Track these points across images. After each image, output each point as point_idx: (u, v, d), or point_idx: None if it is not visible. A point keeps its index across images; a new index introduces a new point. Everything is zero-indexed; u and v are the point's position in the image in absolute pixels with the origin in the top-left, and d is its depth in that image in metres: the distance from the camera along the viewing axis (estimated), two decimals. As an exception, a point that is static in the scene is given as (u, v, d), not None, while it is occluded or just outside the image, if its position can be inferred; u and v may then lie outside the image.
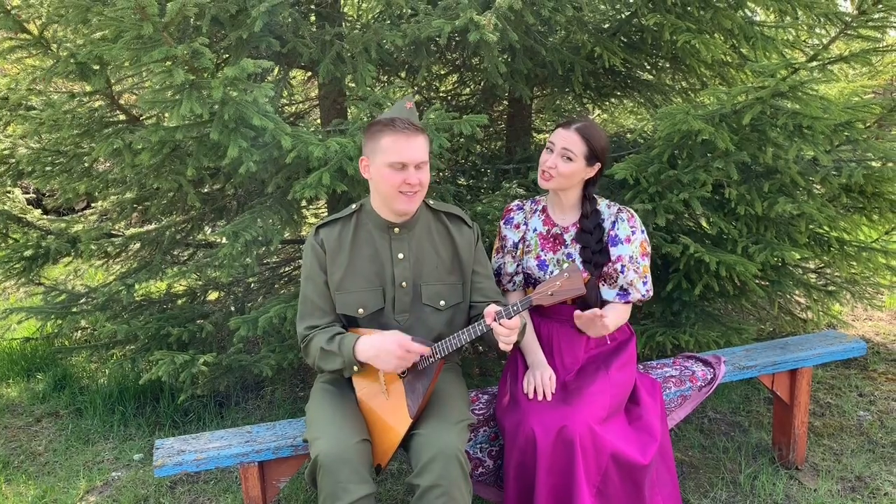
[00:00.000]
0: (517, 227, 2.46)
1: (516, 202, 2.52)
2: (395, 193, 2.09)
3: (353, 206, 2.26)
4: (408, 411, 2.07)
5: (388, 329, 2.17)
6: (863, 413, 3.36)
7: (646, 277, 2.36)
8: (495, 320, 1.97)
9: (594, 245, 2.34)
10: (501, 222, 2.49)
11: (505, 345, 2.00)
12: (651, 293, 2.38)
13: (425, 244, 2.24)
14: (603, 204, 2.41)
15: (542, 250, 2.40)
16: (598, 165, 2.34)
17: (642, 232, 2.38)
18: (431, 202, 2.30)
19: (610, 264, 2.33)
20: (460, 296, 2.27)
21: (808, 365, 2.84)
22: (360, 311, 2.19)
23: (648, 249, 2.39)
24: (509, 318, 1.97)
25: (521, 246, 2.44)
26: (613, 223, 2.36)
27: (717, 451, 3.05)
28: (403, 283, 2.20)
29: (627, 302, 2.35)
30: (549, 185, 2.33)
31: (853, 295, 3.83)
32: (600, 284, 2.36)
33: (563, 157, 2.28)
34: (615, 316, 2.33)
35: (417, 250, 2.22)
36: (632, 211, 2.40)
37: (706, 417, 3.37)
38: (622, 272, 2.33)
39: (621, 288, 2.34)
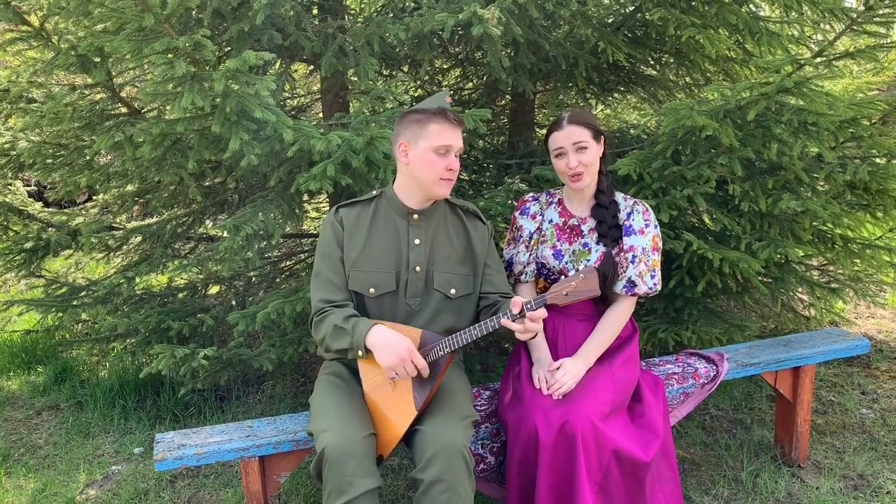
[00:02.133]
0: (533, 217, 2.46)
1: (531, 194, 2.53)
2: (437, 179, 2.14)
3: (374, 192, 2.31)
4: (414, 403, 2.06)
5: (397, 311, 2.22)
6: (865, 411, 3.35)
7: (654, 271, 2.35)
8: (522, 310, 1.98)
9: (609, 219, 2.35)
10: (517, 213, 2.49)
11: (526, 334, 2.01)
12: (659, 287, 2.37)
13: (441, 233, 2.27)
14: (619, 196, 2.42)
15: (559, 240, 2.41)
16: (602, 138, 2.36)
17: (655, 227, 2.38)
18: (449, 197, 2.32)
19: (622, 253, 2.34)
20: (470, 287, 2.29)
21: (811, 362, 2.82)
22: (372, 290, 2.22)
23: (660, 245, 2.39)
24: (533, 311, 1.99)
25: (536, 236, 2.44)
26: (629, 214, 2.37)
27: (719, 449, 3.04)
28: (417, 268, 2.23)
29: (634, 294, 2.34)
30: (582, 185, 2.33)
31: (856, 292, 3.81)
32: None
33: (579, 151, 2.29)
34: (617, 317, 2.36)
35: (433, 238, 2.26)
36: (647, 206, 2.41)
37: (708, 415, 3.36)
38: (632, 262, 2.33)
39: (629, 280, 2.33)
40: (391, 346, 2.04)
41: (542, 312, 1.99)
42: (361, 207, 2.28)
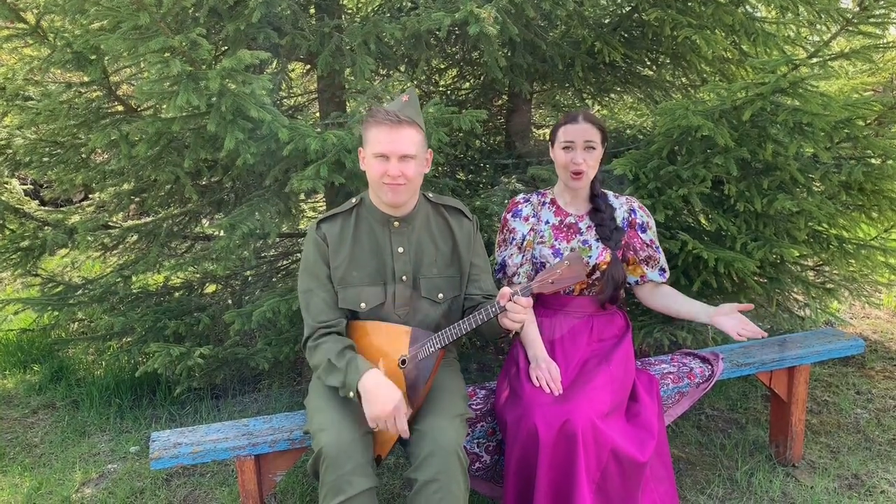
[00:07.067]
0: (526, 219, 2.46)
1: (521, 195, 2.53)
2: (380, 184, 2.09)
3: (353, 200, 2.25)
4: (408, 401, 2.06)
5: (387, 321, 2.17)
6: (860, 411, 3.36)
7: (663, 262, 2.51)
8: (510, 299, 1.96)
9: (608, 222, 2.41)
10: (508, 214, 2.49)
11: (514, 323, 1.99)
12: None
13: (424, 237, 2.23)
14: (610, 195, 2.48)
15: (556, 240, 2.42)
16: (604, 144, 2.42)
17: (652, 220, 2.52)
18: (431, 195, 2.29)
19: (646, 248, 2.44)
20: (457, 288, 2.27)
21: (806, 362, 2.83)
22: (363, 305, 2.19)
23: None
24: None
25: (529, 237, 2.44)
26: (633, 210, 2.46)
27: (714, 448, 3.04)
28: (404, 277, 2.20)
29: (666, 282, 2.47)
30: (581, 185, 2.37)
31: (851, 293, 3.82)
32: (644, 268, 2.46)
33: (587, 150, 2.33)
34: (680, 295, 2.45)
35: (417, 243, 2.22)
36: (639, 201, 2.52)
37: (703, 414, 3.37)
38: (658, 252, 2.46)
39: (661, 268, 2.46)
40: (383, 398, 1.95)
41: (529, 300, 1.98)
42: (343, 219, 2.21)
